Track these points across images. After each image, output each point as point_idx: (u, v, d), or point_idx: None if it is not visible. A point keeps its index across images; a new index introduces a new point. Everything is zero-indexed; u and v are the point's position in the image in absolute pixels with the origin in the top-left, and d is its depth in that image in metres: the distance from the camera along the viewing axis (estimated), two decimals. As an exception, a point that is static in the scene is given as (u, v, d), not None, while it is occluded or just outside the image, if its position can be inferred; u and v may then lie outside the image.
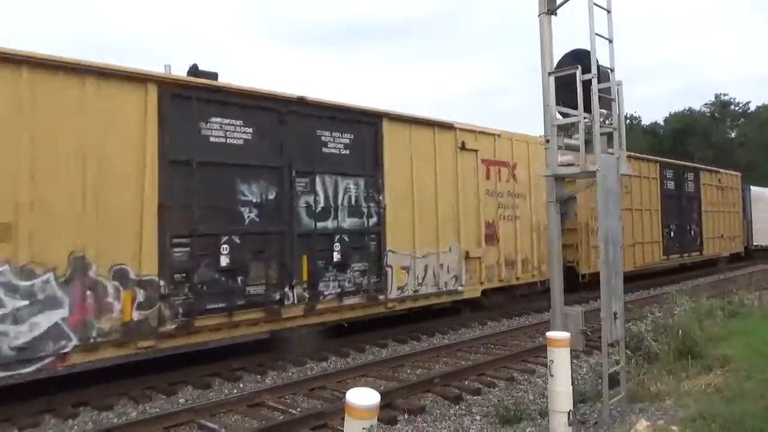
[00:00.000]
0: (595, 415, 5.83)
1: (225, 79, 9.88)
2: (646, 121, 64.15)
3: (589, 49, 5.91)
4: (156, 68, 8.08)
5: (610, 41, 5.79)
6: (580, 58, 6.05)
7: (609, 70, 5.89)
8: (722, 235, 23.11)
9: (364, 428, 3.41)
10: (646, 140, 55.15)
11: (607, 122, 6.20)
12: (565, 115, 6.06)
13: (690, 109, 64.65)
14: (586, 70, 5.72)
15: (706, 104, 65.98)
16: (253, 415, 6.53)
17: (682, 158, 55.56)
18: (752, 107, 64.01)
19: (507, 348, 9.70)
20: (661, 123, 64.30)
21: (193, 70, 11.59)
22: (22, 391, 7.22)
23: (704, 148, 56.28)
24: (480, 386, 7.44)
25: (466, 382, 7.61)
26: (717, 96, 65.46)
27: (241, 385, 7.81)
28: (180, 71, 8.70)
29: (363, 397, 3.44)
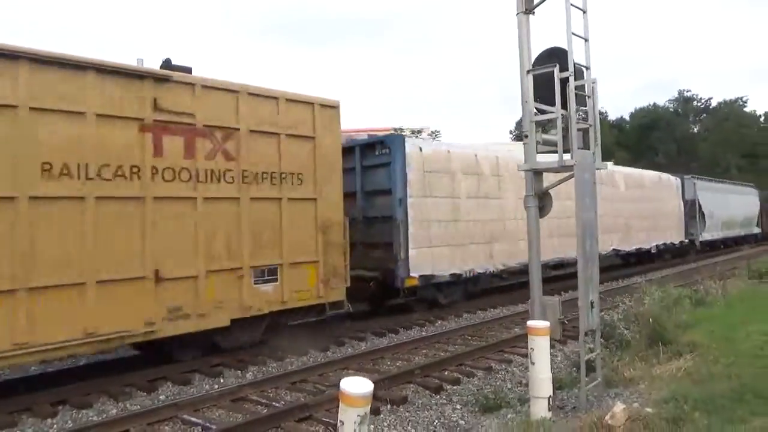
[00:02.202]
0: (573, 401, 6.04)
1: (202, 72, 9.83)
2: (612, 116, 65.66)
3: (564, 47, 6.10)
4: (130, 62, 7.95)
5: (586, 40, 5.98)
6: (556, 56, 6.23)
7: (584, 68, 6.08)
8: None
9: (358, 415, 3.51)
10: (613, 135, 56.45)
11: (581, 118, 6.39)
12: (542, 111, 6.24)
13: (654, 105, 66.47)
14: (563, 67, 5.89)
15: (669, 100, 67.94)
16: (236, 410, 6.55)
17: (646, 153, 57.09)
18: (713, 103, 66.15)
19: (484, 339, 9.90)
20: (627, 118, 65.91)
21: (166, 65, 11.45)
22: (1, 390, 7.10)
23: (668, 142, 57.95)
24: (459, 376, 7.61)
25: (446, 373, 7.77)
26: (680, 92, 67.49)
27: (222, 381, 7.81)
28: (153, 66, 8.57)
29: (357, 385, 3.54)
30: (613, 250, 18.19)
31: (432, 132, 26.34)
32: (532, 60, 6.32)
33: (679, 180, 23.71)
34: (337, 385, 6.95)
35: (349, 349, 9.53)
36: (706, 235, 25.02)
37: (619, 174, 19.40)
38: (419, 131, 26.11)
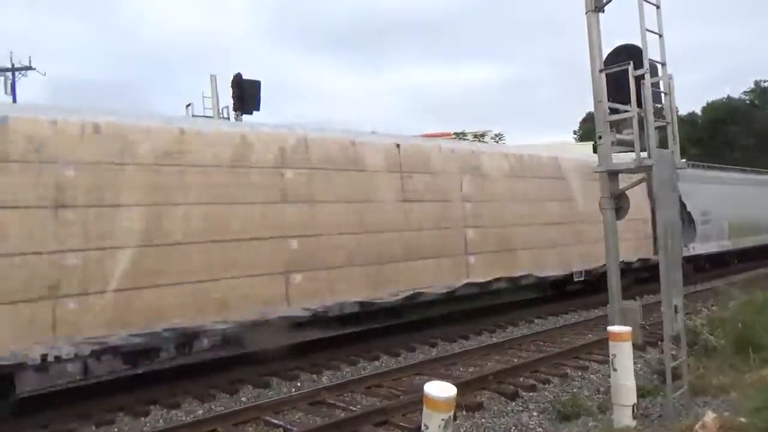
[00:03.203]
0: (658, 409, 5.84)
1: (267, 87, 10.19)
2: (683, 111, 62.55)
3: (634, 43, 5.96)
4: (204, 79, 8.05)
5: (661, 36, 5.81)
6: (627, 53, 6.09)
7: (659, 64, 5.91)
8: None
9: (442, 419, 3.57)
10: (684, 131, 53.78)
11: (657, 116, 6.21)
12: (614, 110, 6.10)
13: (729, 97, 62.81)
14: (636, 65, 5.75)
15: (745, 91, 63.99)
16: (314, 413, 6.74)
17: (721, 149, 54.02)
18: (795, 93, 61.78)
19: (557, 345, 9.70)
20: (699, 112, 62.63)
21: (238, 80, 11.97)
22: (98, 390, 7.62)
23: (745, 136, 54.60)
24: (535, 383, 7.49)
25: (521, 379, 7.67)
26: (757, 83, 63.37)
27: (299, 384, 8.05)
28: (223, 80, 8.72)
29: (441, 389, 3.61)
30: (466, 284, 10.88)
31: (495, 135, 26.03)
32: (603, 59, 6.21)
33: None
34: (412, 391, 7.11)
35: (420, 354, 9.58)
36: (699, 247, 16.56)
37: (490, 155, 12.08)
38: (482, 135, 25.88)
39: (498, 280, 11.47)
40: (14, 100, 26.36)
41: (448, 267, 10.55)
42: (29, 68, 31.62)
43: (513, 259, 11.82)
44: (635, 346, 7.32)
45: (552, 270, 12.66)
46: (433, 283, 10.32)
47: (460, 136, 25.94)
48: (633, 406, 5.22)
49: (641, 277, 15.35)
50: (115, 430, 6.48)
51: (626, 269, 13.66)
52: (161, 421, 6.73)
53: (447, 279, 10.50)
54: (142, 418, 6.78)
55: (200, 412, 6.97)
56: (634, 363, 7.99)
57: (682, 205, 16.61)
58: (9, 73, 31.22)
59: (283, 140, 8.75)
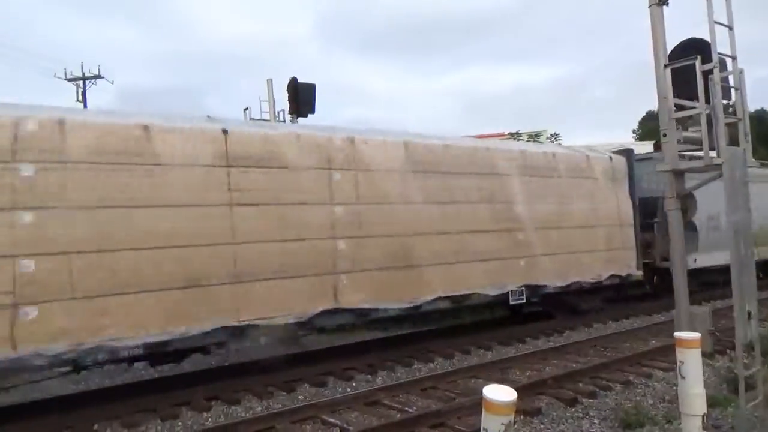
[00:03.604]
0: (730, 420, 5.55)
1: (321, 90, 10.29)
2: (750, 108, 59.27)
3: (701, 37, 5.71)
4: (261, 80, 8.35)
5: (731, 28, 5.53)
6: (694, 47, 5.85)
7: (729, 58, 5.63)
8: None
9: (502, 423, 3.51)
10: (752, 128, 50.96)
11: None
12: (679, 107, 5.86)
13: (805, 93, 59.05)
14: (704, 59, 5.51)
15: (824, 85, 60.01)
16: (370, 413, 6.78)
17: (799, 147, 50.69)
18: None
19: (619, 351, 9.38)
20: (770, 109, 59.09)
21: (293, 83, 12.20)
22: (162, 385, 7.94)
23: (826, 134, 51.16)
24: (595, 389, 7.27)
25: (580, 385, 7.46)
26: (837, 76, 59.30)
27: (354, 384, 8.12)
28: (280, 84, 8.74)
29: (501, 393, 3.54)
30: (330, 311, 8.56)
31: (551, 135, 25.46)
32: (667, 53, 5.98)
33: (615, 158, 12.54)
34: (467, 394, 7.04)
35: (475, 357, 9.48)
36: (703, 259, 13.58)
37: (377, 144, 9.32)
38: (536, 135, 25.38)
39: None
40: (85, 107, 27.88)
41: (300, 290, 8.11)
42: (98, 77, 33.46)
43: (414, 278, 9.21)
44: (703, 354, 7.00)
45: (477, 289, 9.95)
46: (276, 313, 7.89)
47: (515, 136, 25.53)
48: (703, 416, 4.97)
49: (634, 294, 14.02)
50: (180, 424, 6.73)
51: (592, 288, 11.67)
52: (222, 416, 6.94)
53: (299, 305, 8.10)
54: (205, 413, 7.02)
55: (259, 409, 7.14)
56: (704, 371, 7.68)
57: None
58: (80, 82, 33.11)
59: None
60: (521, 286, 10.45)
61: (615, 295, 13.47)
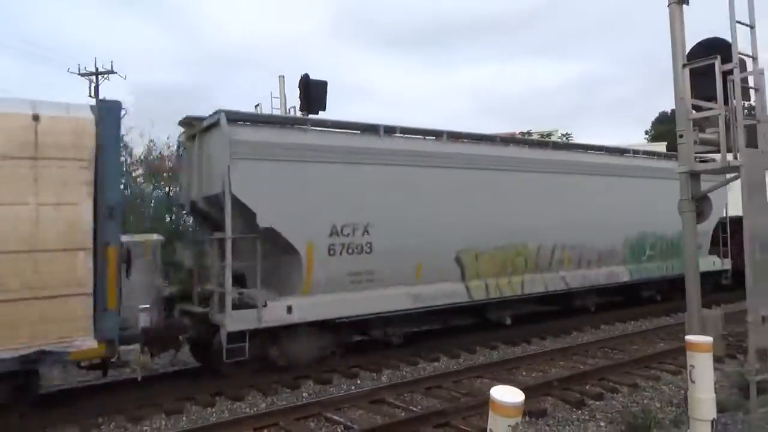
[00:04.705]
0: (739, 426, 5.46)
1: (332, 87, 10.25)
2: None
3: (722, 37, 5.60)
4: (273, 80, 8.09)
5: (752, 27, 5.42)
6: (713, 47, 5.73)
7: (750, 58, 5.51)
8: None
9: (509, 425, 3.45)
10: None
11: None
12: (696, 108, 5.75)
13: (820, 95, 58.47)
14: (723, 59, 5.40)
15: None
16: (375, 411, 6.73)
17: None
18: None
19: (626, 353, 9.29)
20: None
21: (305, 80, 12.12)
22: (166, 380, 7.92)
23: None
24: (602, 391, 7.19)
25: (587, 387, 7.39)
26: None
27: (359, 382, 8.07)
28: (291, 81, 8.70)
29: (508, 394, 3.49)
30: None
31: (563, 135, 25.30)
32: (686, 53, 5.87)
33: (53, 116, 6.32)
34: (472, 394, 6.97)
35: (481, 357, 9.42)
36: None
37: None
38: (549, 134, 25.22)
39: None
40: (95, 101, 27.88)
41: None
42: (111, 72, 33.49)
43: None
44: (715, 358, 6.91)
45: None
46: None
47: (526, 135, 25.39)
48: (712, 422, 4.89)
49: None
50: (184, 418, 6.71)
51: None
52: (226, 412, 6.91)
53: None
54: (209, 409, 6.99)
55: (263, 405, 7.11)
56: (713, 376, 7.58)
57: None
58: (93, 77, 33.19)
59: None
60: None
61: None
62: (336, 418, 6.42)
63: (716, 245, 14.56)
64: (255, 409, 6.96)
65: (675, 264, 13.43)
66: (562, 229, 11.23)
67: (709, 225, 13.66)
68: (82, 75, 32.92)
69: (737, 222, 13.85)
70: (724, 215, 14.11)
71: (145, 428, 6.47)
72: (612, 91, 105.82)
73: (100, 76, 32.81)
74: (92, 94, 32.13)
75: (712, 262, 14.40)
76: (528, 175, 10.85)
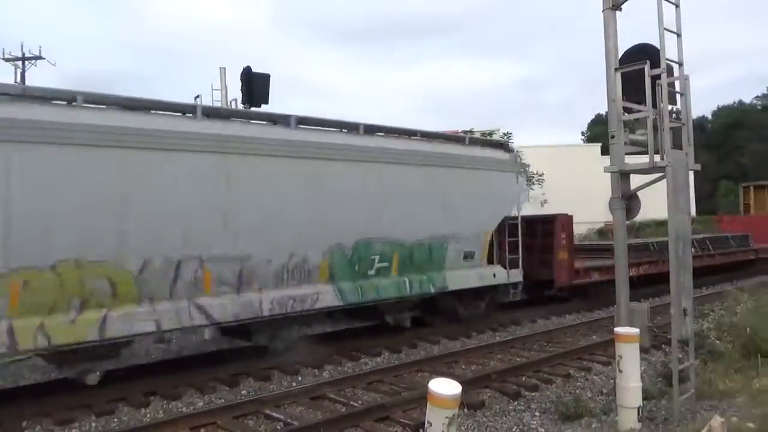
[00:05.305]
0: (663, 413, 5.76)
1: (274, 80, 10.05)
2: (692, 115, 62.31)
3: (650, 42, 5.87)
4: (214, 71, 7.80)
5: (679, 35, 5.72)
6: (643, 52, 6.00)
7: (676, 65, 5.81)
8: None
9: (447, 417, 3.52)
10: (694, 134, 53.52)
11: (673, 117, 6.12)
12: (627, 110, 6.01)
13: (740, 102, 62.57)
14: (653, 64, 5.67)
15: (757, 96, 63.66)
16: (316, 407, 6.69)
17: (731, 154, 53.59)
18: (807, 99, 61.44)
19: (561, 345, 9.64)
20: (709, 117, 62.38)
21: (247, 73, 11.87)
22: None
23: (755, 142, 54.32)
24: (537, 383, 7.44)
25: (524, 378, 7.62)
26: (769, 88, 63.07)
27: (300, 378, 8.00)
28: (232, 73, 8.41)
29: (446, 386, 3.56)
30: None
31: (504, 134, 25.90)
32: (619, 57, 6.12)
33: None
34: (412, 387, 7.05)
35: (422, 351, 9.53)
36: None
37: None
38: (490, 133, 25.73)
39: None
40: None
41: None
42: (39, 58, 31.68)
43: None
44: (641, 349, 7.27)
45: None
46: None
47: (468, 134, 25.79)
48: (639, 409, 5.15)
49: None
50: (116, 420, 6.45)
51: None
52: (161, 412, 6.69)
53: None
54: (143, 409, 6.75)
55: (201, 404, 6.93)
56: (639, 365, 7.98)
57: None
58: (19, 63, 31.31)
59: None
60: None
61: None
62: (275, 415, 6.35)
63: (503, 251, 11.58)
64: (192, 408, 6.78)
65: (430, 279, 10.16)
66: (200, 235, 7.46)
67: (484, 226, 11.04)
68: (7, 60, 31.04)
69: (535, 222, 13.01)
70: (514, 214, 11.62)
71: (73, 431, 6.18)
72: (554, 93, 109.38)
73: (27, 62, 31.02)
74: (18, 80, 30.33)
75: (492, 274, 11.25)
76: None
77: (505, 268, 11.49)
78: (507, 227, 11.56)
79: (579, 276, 13.27)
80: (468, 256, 10.77)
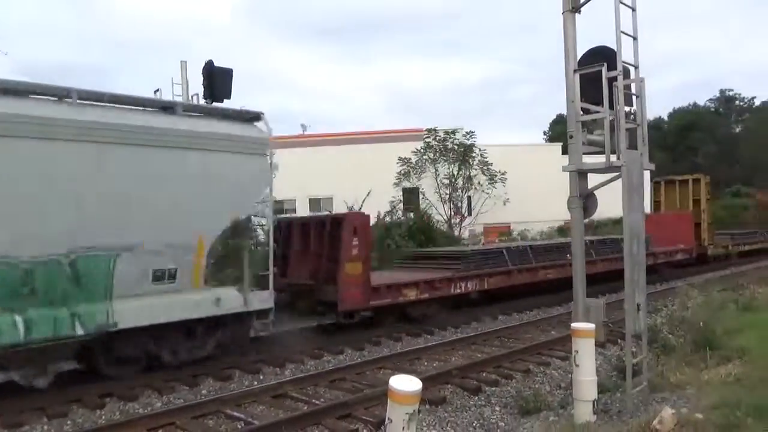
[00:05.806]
0: (617, 405, 5.93)
1: (237, 75, 9.88)
2: (649, 116, 64.26)
3: (609, 45, 6.02)
4: (174, 65, 7.71)
5: (635, 39, 5.88)
6: (601, 54, 6.15)
7: (632, 67, 5.97)
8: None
9: (407, 413, 3.54)
10: (650, 135, 55.23)
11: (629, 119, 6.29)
12: (586, 111, 6.16)
13: (695, 104, 64.84)
14: (610, 66, 5.81)
15: (711, 99, 66.13)
16: (277, 406, 6.64)
17: (686, 154, 55.59)
18: (757, 102, 64.05)
19: (521, 341, 9.81)
20: (665, 118, 64.46)
21: (209, 67, 11.66)
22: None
23: (708, 143, 56.40)
24: (498, 378, 7.56)
25: (484, 374, 7.72)
26: (722, 91, 65.57)
27: (261, 377, 7.93)
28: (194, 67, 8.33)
29: (406, 383, 3.57)
30: None
31: (467, 133, 26.17)
32: (578, 59, 6.26)
33: None
34: (375, 385, 7.06)
35: (385, 349, 9.56)
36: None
37: None
38: (453, 132, 25.96)
39: None
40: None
41: None
42: (-13, 45, 30.38)
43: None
44: (597, 343, 7.47)
45: None
46: None
47: (431, 132, 25.99)
48: (594, 402, 5.29)
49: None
50: (69, 422, 6.26)
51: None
52: (118, 413, 6.53)
53: None
54: (98, 411, 6.57)
55: (159, 404, 6.79)
56: (596, 360, 8.20)
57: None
58: (-36, 50, 29.97)
59: None
60: None
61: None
62: (236, 414, 6.27)
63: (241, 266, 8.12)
64: (150, 409, 6.64)
65: (74, 314, 6.74)
66: None
67: (196, 231, 7.73)
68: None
69: (318, 224, 9.74)
70: (260, 212, 8.39)
71: (23, 435, 5.98)
72: (519, 92, 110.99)
73: (-24, 51, 29.68)
74: (-33, 70, 29.00)
75: (214, 300, 7.92)
76: None
77: (249, 287, 8.25)
78: (249, 231, 8.27)
79: (380, 296, 10.23)
80: (162, 276, 7.44)
